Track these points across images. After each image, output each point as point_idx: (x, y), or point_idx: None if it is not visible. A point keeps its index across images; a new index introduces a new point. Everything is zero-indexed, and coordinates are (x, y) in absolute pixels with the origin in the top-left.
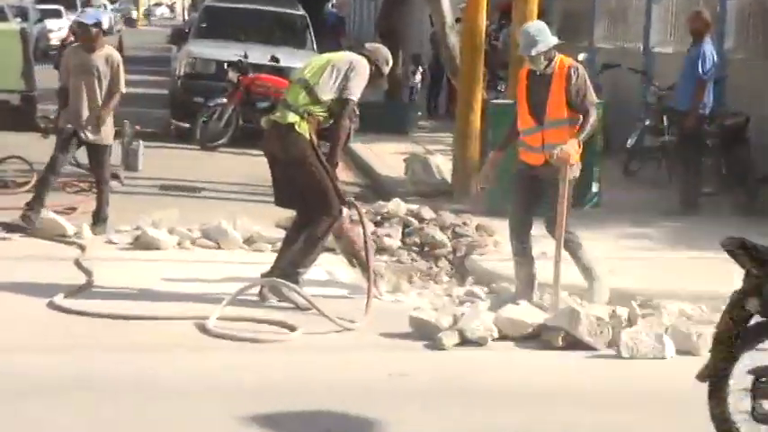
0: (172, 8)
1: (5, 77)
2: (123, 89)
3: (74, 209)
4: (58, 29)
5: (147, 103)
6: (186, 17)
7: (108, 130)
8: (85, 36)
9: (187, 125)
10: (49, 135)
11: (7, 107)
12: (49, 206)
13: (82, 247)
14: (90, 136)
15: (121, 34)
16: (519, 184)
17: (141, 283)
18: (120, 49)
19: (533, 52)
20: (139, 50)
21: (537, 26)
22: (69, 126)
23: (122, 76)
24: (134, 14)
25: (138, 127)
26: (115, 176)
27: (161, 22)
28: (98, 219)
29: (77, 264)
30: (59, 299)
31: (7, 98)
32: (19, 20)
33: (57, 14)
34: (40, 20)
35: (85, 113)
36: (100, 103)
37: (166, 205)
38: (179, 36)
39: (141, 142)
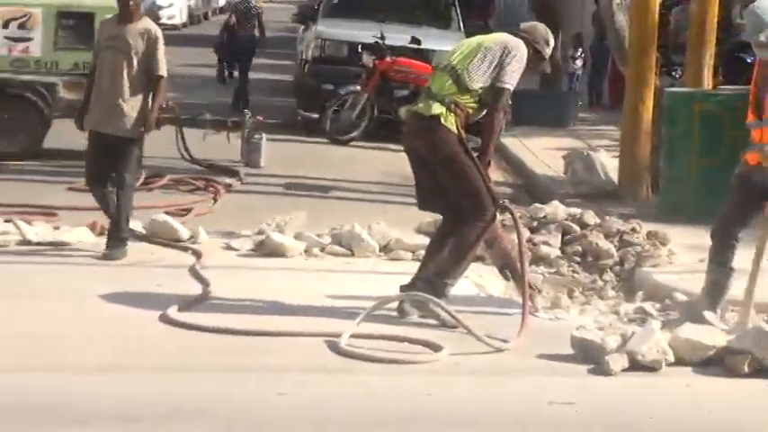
0: None
1: None
2: (164, 72)
3: (188, 210)
4: (169, 5)
5: (269, 91)
6: None
7: (135, 118)
8: (121, 3)
9: (315, 116)
10: (160, 126)
11: None
12: (162, 207)
13: (198, 254)
14: (110, 123)
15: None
16: (735, 184)
17: (264, 294)
18: (261, 30)
19: (763, 38)
20: None
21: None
22: (88, 127)
23: (162, 57)
24: None
25: (259, 118)
26: (235, 174)
27: None
28: (115, 238)
29: (193, 272)
30: (173, 311)
31: None
32: None
33: None
34: None
35: (111, 96)
36: (127, 85)
37: (292, 207)
38: (307, 14)
39: (264, 135)
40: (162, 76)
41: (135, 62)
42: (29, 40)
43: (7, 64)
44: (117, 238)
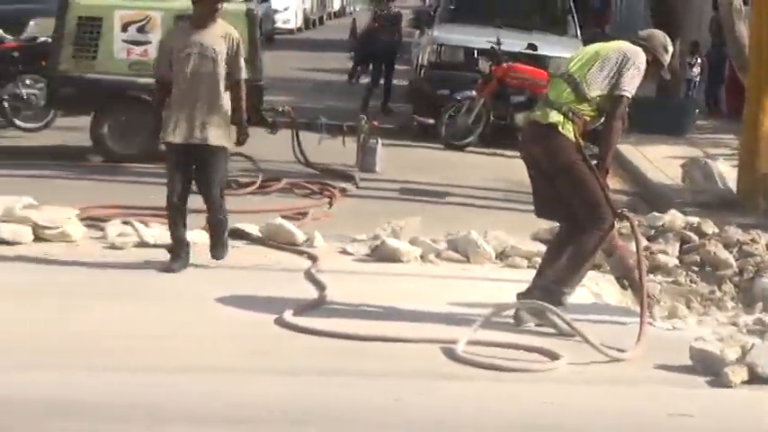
0: None
1: None
2: (244, 75)
3: (304, 214)
4: (285, 9)
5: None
6: None
7: (225, 125)
8: (203, 4)
9: (431, 121)
10: (276, 130)
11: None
12: (278, 210)
13: (313, 258)
14: (197, 133)
15: (354, 17)
16: None
17: (380, 299)
18: (353, 34)
19: None
20: None
21: None
22: (174, 140)
23: (242, 61)
24: None
25: (375, 122)
26: (350, 178)
27: (398, 3)
28: (217, 244)
29: (309, 276)
30: (289, 315)
31: None
32: None
33: None
34: None
35: (198, 106)
36: (214, 92)
37: (408, 212)
38: (423, 19)
39: (379, 140)
40: (240, 80)
41: (220, 68)
42: (147, 43)
43: (126, 67)
44: (219, 243)
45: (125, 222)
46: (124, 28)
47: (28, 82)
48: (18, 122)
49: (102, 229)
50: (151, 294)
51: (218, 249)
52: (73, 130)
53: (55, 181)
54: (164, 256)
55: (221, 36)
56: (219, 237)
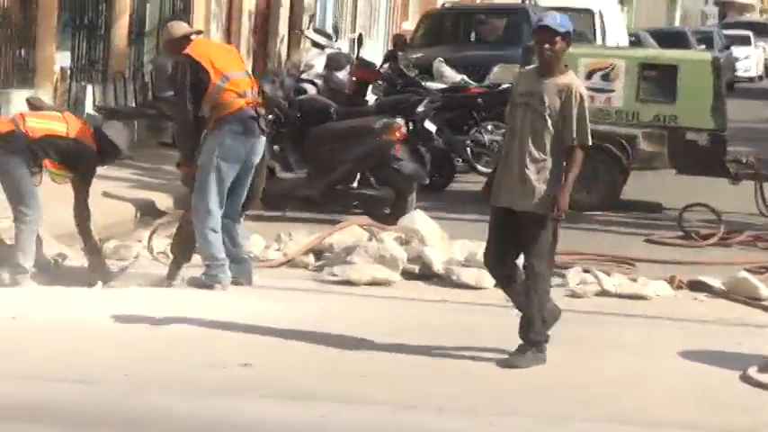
0: None
1: (693, 113)
2: (581, 141)
3: None
4: (746, 57)
5: None
6: None
7: (546, 191)
8: (547, 46)
9: None
10: (739, 181)
11: (694, 147)
12: (741, 263)
13: None
14: (517, 197)
15: None
16: None
17: None
18: None
19: None
20: None
21: None
22: (494, 203)
23: (582, 121)
24: None
25: None
26: None
27: None
28: (523, 338)
29: None
30: (753, 372)
31: (695, 137)
32: (703, 47)
33: (745, 41)
34: (727, 47)
35: (517, 164)
36: (535, 152)
37: None
38: None
39: None
40: (573, 146)
41: (548, 124)
42: (610, 91)
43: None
44: (524, 338)
45: (586, 270)
46: (589, 75)
47: (490, 128)
48: (479, 167)
49: (563, 276)
50: (609, 343)
51: (520, 349)
52: None
53: None
54: (621, 305)
55: (559, 89)
56: (527, 328)
